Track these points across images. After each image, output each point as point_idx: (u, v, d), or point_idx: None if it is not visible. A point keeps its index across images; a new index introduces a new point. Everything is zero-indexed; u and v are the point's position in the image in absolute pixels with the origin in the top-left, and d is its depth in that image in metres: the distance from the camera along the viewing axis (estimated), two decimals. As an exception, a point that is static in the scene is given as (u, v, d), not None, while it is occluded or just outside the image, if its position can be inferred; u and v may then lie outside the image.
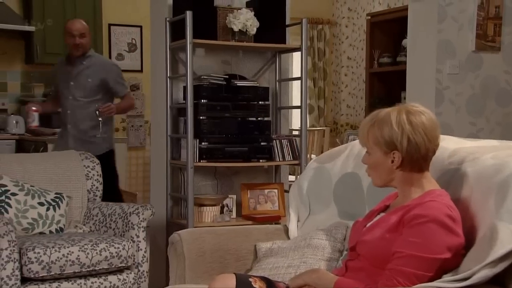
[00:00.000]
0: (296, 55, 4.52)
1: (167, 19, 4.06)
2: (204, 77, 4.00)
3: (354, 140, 2.85)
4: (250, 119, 4.10)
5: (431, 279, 1.85)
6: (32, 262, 3.19)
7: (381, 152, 2.01)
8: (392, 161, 1.99)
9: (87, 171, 3.99)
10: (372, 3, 7.54)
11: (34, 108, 4.65)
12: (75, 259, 3.29)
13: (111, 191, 4.45)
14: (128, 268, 3.52)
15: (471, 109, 4.61)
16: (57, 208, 3.72)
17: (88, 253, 3.33)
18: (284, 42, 4.26)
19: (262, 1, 4.12)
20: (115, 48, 7.02)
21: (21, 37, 6.34)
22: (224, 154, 3.96)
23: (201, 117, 3.92)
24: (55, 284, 3.27)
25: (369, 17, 6.83)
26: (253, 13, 3.97)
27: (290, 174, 5.02)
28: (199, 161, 3.91)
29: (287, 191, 3.81)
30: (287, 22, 4.31)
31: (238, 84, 4.07)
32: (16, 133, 6.04)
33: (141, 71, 7.11)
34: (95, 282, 3.38)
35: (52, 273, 3.24)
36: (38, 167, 3.88)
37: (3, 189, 3.59)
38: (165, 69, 4.10)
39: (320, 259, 2.41)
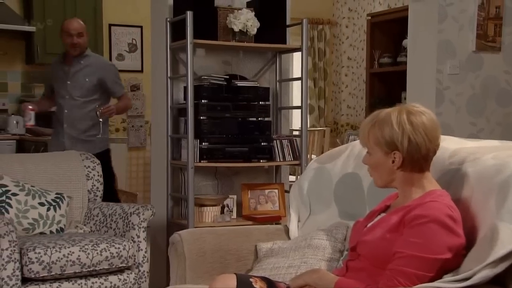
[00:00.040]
0: (297, 55, 4.52)
1: (168, 19, 4.06)
2: (205, 77, 4.00)
3: (354, 140, 2.85)
4: (251, 119, 4.10)
5: (432, 279, 1.85)
6: (33, 262, 3.19)
7: (381, 153, 2.01)
8: (393, 162, 1.99)
9: (88, 171, 3.99)
10: (373, 4, 7.53)
11: (30, 107, 4.65)
12: (76, 259, 3.29)
13: (107, 190, 4.44)
14: (128, 268, 3.52)
15: (472, 109, 4.61)
16: (57, 208, 3.72)
17: (88, 253, 3.33)
18: (285, 42, 4.26)
19: (263, 1, 4.12)
20: (115, 48, 7.01)
21: (22, 37, 6.34)
22: (224, 154, 3.96)
23: (201, 117, 3.92)
24: (55, 284, 3.27)
25: (370, 18, 6.83)
26: (253, 13, 3.97)
27: (290, 174, 5.02)
28: (199, 161, 3.91)
29: (288, 191, 3.80)
30: (288, 23, 4.31)
31: (238, 84, 4.07)
32: (17, 133, 6.03)
33: (141, 71, 7.11)
34: (96, 282, 3.39)
35: (52, 273, 3.24)
36: (38, 167, 3.88)
37: (3, 189, 3.60)
38: (165, 69, 4.10)
39: (320, 259, 2.41)
